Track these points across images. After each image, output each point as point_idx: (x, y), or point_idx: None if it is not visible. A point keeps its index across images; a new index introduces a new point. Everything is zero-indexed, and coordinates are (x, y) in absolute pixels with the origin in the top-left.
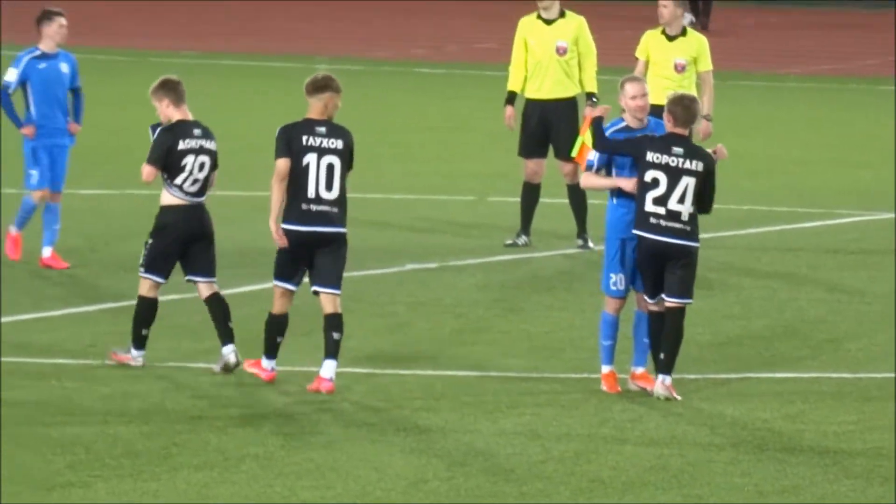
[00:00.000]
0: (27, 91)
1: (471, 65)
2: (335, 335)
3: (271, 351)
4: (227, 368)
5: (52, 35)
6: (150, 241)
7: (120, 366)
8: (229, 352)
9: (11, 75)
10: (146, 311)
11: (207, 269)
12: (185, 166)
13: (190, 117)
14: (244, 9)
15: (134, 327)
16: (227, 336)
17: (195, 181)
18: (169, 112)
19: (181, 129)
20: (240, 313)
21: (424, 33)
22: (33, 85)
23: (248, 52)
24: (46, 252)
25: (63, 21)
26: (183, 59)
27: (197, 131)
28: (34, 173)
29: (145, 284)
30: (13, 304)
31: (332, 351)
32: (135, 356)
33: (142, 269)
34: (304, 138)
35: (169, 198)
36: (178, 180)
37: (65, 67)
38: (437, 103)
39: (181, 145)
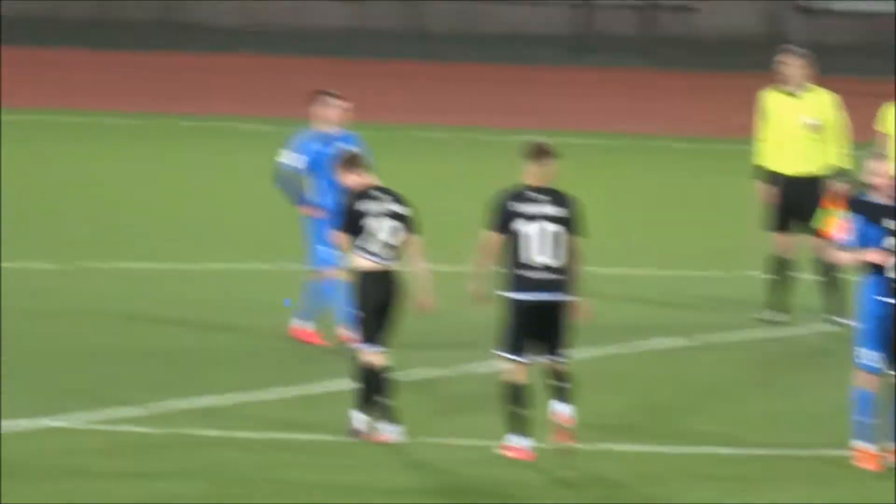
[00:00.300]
0: (307, 172)
1: (719, 139)
2: (561, 384)
3: (515, 426)
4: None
5: (328, 116)
6: (358, 312)
7: (375, 443)
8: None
9: (290, 158)
10: (374, 382)
11: (385, 338)
12: (368, 229)
13: (372, 182)
14: (497, 85)
15: (364, 399)
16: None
17: (383, 244)
18: (350, 181)
19: (361, 193)
20: (471, 390)
21: (670, 108)
22: (314, 166)
23: (500, 127)
24: (306, 326)
25: (340, 102)
26: (433, 133)
27: (380, 194)
28: (326, 250)
29: (367, 355)
30: (277, 380)
31: (560, 396)
32: (380, 430)
33: (360, 342)
34: (522, 206)
35: (360, 262)
36: (363, 243)
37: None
38: (685, 178)
39: (361, 207)
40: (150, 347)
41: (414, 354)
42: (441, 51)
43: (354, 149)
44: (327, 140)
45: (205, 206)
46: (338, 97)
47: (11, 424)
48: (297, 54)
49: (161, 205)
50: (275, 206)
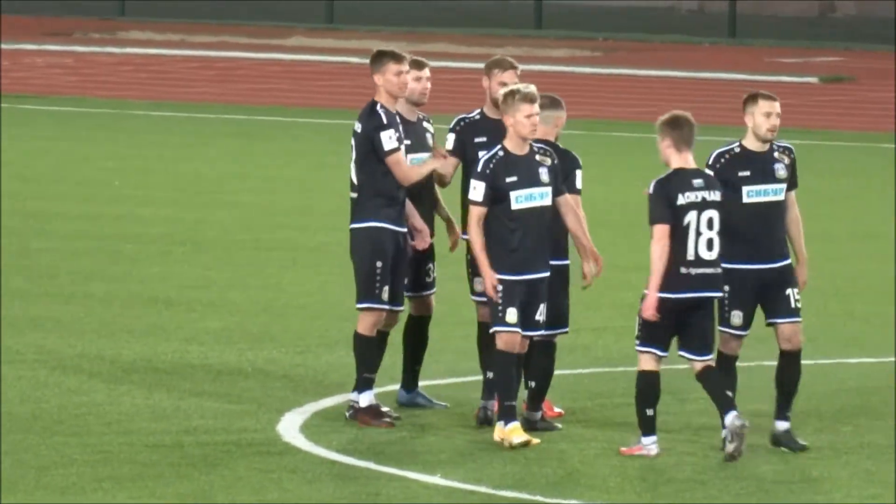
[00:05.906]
0: None
1: None
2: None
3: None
4: (735, 432)
5: None
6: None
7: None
8: (732, 418)
9: None
10: (647, 389)
11: (702, 346)
12: (688, 224)
13: (692, 165)
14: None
15: (638, 409)
16: (725, 405)
17: (706, 240)
18: (668, 154)
19: (680, 178)
20: None
21: None
22: None
23: None
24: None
25: None
26: None
27: (698, 181)
28: None
29: (643, 358)
30: None
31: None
32: (645, 444)
33: (637, 343)
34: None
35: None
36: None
37: None
38: None
39: (682, 199)
40: None
41: None
42: None
43: (683, 114)
44: None
45: None
46: None
47: None
48: None
49: None
50: None
